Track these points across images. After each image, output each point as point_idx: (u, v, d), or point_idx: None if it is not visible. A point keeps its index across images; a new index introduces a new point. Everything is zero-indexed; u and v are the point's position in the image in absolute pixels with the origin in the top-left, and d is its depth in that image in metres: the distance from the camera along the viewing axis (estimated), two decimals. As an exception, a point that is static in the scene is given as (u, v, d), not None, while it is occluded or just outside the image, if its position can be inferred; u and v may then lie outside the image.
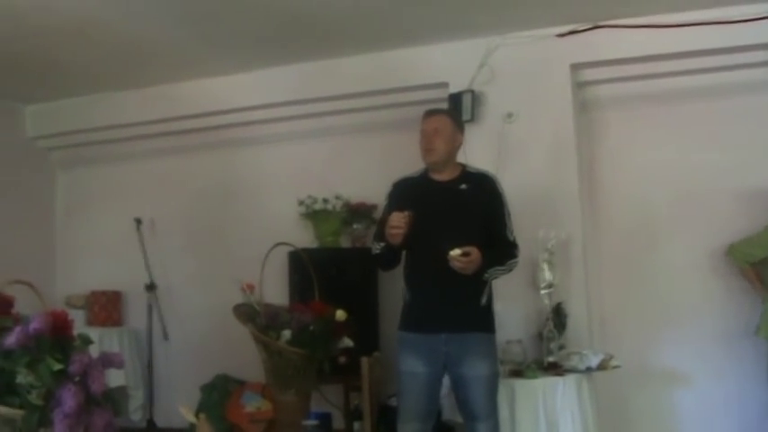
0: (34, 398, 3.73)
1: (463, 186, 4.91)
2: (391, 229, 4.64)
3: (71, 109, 8.46)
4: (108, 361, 4.03)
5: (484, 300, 4.84)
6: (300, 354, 5.83)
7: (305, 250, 6.73)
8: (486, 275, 4.78)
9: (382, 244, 4.85)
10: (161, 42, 6.79)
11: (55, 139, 8.83)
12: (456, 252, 4.54)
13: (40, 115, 8.71)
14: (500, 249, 4.84)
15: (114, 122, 8.25)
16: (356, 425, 6.17)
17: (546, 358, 5.77)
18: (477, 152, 6.06)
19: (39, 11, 6.03)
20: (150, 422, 7.71)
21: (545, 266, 5.96)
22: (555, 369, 5.62)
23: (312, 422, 5.78)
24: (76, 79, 7.81)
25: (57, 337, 3.86)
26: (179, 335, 7.82)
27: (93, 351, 4.11)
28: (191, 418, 5.97)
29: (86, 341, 4.05)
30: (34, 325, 3.78)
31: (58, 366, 3.75)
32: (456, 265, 4.56)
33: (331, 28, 6.53)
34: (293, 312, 6.07)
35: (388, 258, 4.95)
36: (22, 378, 3.71)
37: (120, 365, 4.13)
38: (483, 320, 4.85)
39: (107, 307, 8.26)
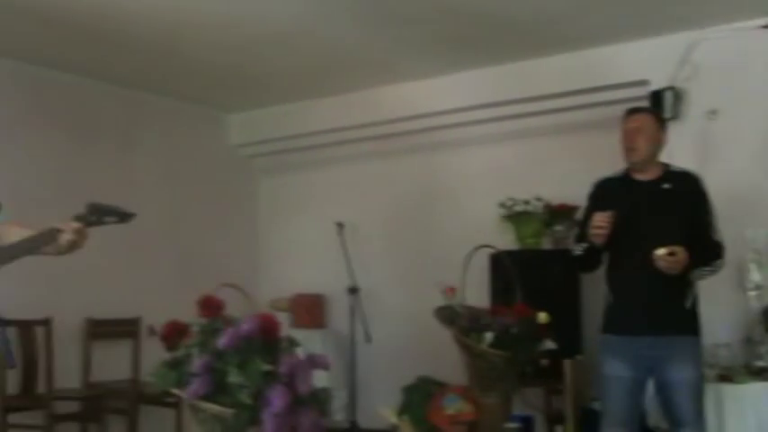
0: (244, 397, 3.82)
1: (666, 186, 4.78)
2: (594, 229, 4.58)
3: (273, 117, 8.76)
4: (314, 362, 4.11)
5: (689, 302, 4.69)
6: (502, 356, 5.81)
7: (506, 252, 6.70)
8: (692, 276, 4.65)
9: (584, 245, 4.78)
10: (360, 49, 6.92)
11: (257, 146, 9.16)
12: (662, 251, 4.43)
13: (244, 124, 9.06)
14: (705, 250, 4.68)
15: (315, 129, 8.46)
16: (558, 428, 6.12)
17: (755, 363, 5.56)
18: (679, 151, 5.87)
19: (242, 24, 6.29)
20: (353, 423, 7.84)
21: (753, 267, 5.75)
22: (765, 374, 5.42)
23: (514, 425, 5.77)
24: (278, 88, 8.09)
25: (265, 339, 3.96)
26: (381, 337, 7.87)
27: (299, 353, 4.23)
28: (393, 419, 6.03)
29: (293, 343, 4.15)
30: (244, 327, 3.90)
31: (266, 367, 3.85)
32: (662, 264, 4.45)
33: (527, 29, 6.50)
34: (495, 315, 6.07)
35: (590, 259, 4.88)
36: (233, 378, 3.82)
37: (325, 367, 4.16)
38: (689, 323, 4.71)
39: (310, 310, 8.49)
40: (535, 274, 6.75)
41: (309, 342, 7.68)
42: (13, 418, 6.55)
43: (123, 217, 3.69)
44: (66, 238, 3.50)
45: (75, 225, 3.51)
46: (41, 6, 5.89)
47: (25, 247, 3.54)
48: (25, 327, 6.74)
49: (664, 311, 4.65)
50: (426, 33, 6.57)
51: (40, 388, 6.76)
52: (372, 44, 6.82)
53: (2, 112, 6.80)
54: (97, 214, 3.59)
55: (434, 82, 7.67)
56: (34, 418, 6.61)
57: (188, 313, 4.22)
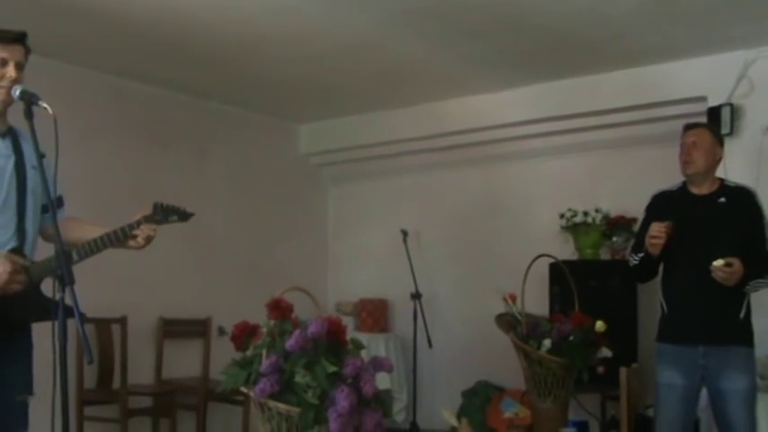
0: (310, 397, 3.88)
1: (722, 200, 4.85)
2: (651, 239, 4.65)
3: (342, 128, 8.90)
4: (378, 365, 4.12)
5: (743, 313, 4.73)
6: (560, 363, 5.93)
7: (565, 262, 6.79)
8: (748, 288, 4.69)
9: (641, 255, 4.86)
10: (427, 62, 6.99)
11: (326, 155, 9.31)
12: (719, 262, 4.49)
13: (313, 134, 9.22)
14: (760, 262, 4.72)
15: (382, 140, 8.60)
16: None
17: (808, 374, 5.60)
18: (735, 166, 5.95)
19: (314, 39, 6.42)
20: (413, 424, 7.88)
21: (805, 279, 5.78)
22: (817, 385, 5.46)
23: (569, 430, 5.81)
24: (347, 100, 8.22)
25: (332, 342, 4.02)
26: (442, 342, 7.94)
27: (364, 355, 4.35)
28: (453, 421, 6.14)
29: (359, 346, 4.20)
30: (312, 329, 3.94)
31: (332, 368, 3.90)
32: (719, 275, 4.52)
33: (590, 45, 6.54)
34: (554, 322, 6.19)
35: (646, 269, 4.96)
36: (300, 378, 3.87)
37: (389, 370, 4.20)
38: (742, 334, 4.75)
39: (374, 314, 8.61)
40: (593, 283, 6.88)
41: (373, 345, 7.84)
42: (90, 410, 6.76)
43: (184, 216, 4.01)
44: (137, 238, 3.85)
45: (146, 228, 3.84)
46: (124, 22, 6.09)
47: (101, 244, 3.81)
48: (102, 324, 6.91)
49: (718, 322, 4.70)
50: (491, 48, 6.62)
51: (116, 383, 6.92)
52: (439, 58, 6.88)
53: (85, 120, 6.93)
54: (162, 213, 3.91)
55: (499, 96, 7.73)
56: (109, 411, 6.79)
57: (256, 315, 4.30)
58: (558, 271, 6.81)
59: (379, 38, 6.44)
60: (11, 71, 3.72)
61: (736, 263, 4.53)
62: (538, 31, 6.25)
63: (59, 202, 4.11)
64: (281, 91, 7.97)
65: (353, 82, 7.60)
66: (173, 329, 7.61)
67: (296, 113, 8.92)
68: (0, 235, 3.71)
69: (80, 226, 4.04)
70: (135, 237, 3.86)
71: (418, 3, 5.68)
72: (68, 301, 3.23)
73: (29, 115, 3.65)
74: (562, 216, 7.50)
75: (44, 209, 3.76)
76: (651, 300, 5.78)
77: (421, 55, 6.82)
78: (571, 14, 5.87)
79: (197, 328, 7.73)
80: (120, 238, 3.82)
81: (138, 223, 3.84)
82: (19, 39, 3.80)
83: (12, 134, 3.84)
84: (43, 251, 3.79)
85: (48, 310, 3.64)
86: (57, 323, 3.21)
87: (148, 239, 3.88)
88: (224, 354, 4.60)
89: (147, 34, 6.39)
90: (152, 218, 3.88)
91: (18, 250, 3.75)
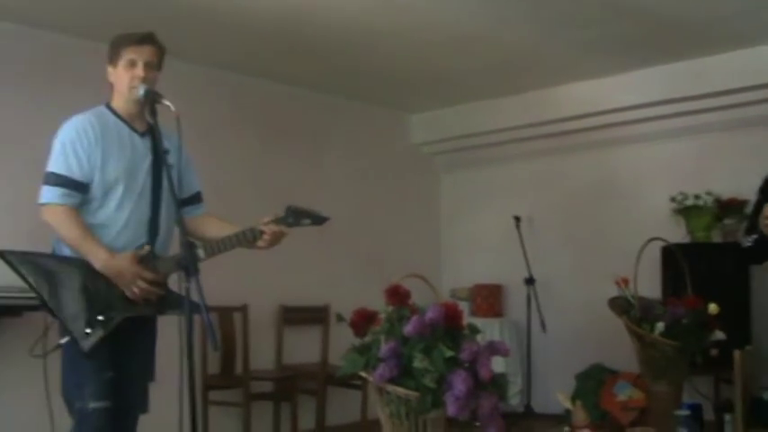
0: (428, 381, 3.90)
1: (836, 180, 4.77)
2: (765, 220, 4.58)
3: (452, 116, 8.99)
4: (494, 349, 4.13)
5: None
6: (673, 345, 5.90)
7: (677, 245, 6.75)
8: None
9: (754, 236, 4.79)
10: (536, 49, 7.04)
11: (438, 144, 9.40)
12: None
13: (425, 123, 9.32)
14: None
15: (493, 127, 8.64)
16: (726, 417, 6.11)
17: None
18: None
19: (424, 29, 6.53)
20: (528, 407, 8.01)
21: None
22: None
23: (684, 412, 5.78)
24: (457, 88, 8.29)
25: (448, 327, 4.04)
26: (556, 326, 7.98)
27: (479, 340, 4.40)
28: (567, 404, 6.19)
29: (475, 330, 4.22)
30: (429, 315, 3.96)
31: (449, 353, 3.91)
32: None
33: (700, 27, 6.49)
34: (666, 305, 6.15)
35: (760, 251, 4.90)
36: (418, 363, 3.89)
37: (505, 354, 4.21)
38: None
39: (489, 299, 8.66)
40: (705, 266, 6.81)
41: (488, 330, 7.88)
42: (214, 395, 6.99)
43: (317, 220, 4.17)
44: (266, 239, 4.01)
45: (275, 229, 4.01)
46: (241, 20, 6.30)
47: (231, 243, 3.99)
48: (225, 312, 7.13)
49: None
50: (601, 34, 6.62)
51: (238, 369, 7.14)
52: (548, 45, 6.93)
53: (204, 116, 7.11)
54: (294, 216, 4.06)
55: (609, 81, 7.72)
56: (232, 396, 7.00)
57: (373, 302, 4.35)
58: (671, 254, 6.80)
59: (489, 27, 6.50)
60: (139, 71, 3.92)
61: None
62: (647, 16, 6.23)
63: (198, 197, 4.31)
64: (393, 82, 8.09)
65: (464, 71, 7.66)
66: (292, 316, 7.79)
67: (408, 103, 9.03)
68: (133, 230, 3.90)
69: (214, 223, 4.23)
70: (263, 236, 4.00)
71: (526, -9, 5.75)
72: (194, 289, 3.42)
73: (152, 113, 3.86)
74: (673, 199, 7.46)
75: (183, 203, 3.89)
76: (765, 282, 5.76)
77: (530, 42, 6.87)
78: (681, -3, 5.85)
79: (316, 315, 7.89)
80: (249, 238, 3.99)
81: (268, 225, 4.00)
82: (146, 39, 4.01)
83: (151, 133, 4.01)
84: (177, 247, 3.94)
85: (173, 303, 3.86)
86: (183, 313, 3.40)
87: (276, 239, 4.03)
88: (342, 340, 4.67)
89: (264, 31, 6.59)
90: (284, 220, 4.03)
91: (149, 245, 3.96)
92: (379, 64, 7.46)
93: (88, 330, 3.74)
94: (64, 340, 3.77)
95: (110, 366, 3.80)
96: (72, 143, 3.82)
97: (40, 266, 3.79)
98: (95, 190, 3.85)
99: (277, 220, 4.03)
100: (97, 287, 3.78)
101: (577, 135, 8.28)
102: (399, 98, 8.78)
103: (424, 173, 9.57)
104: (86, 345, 3.71)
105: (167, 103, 3.78)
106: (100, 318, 3.76)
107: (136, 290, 3.80)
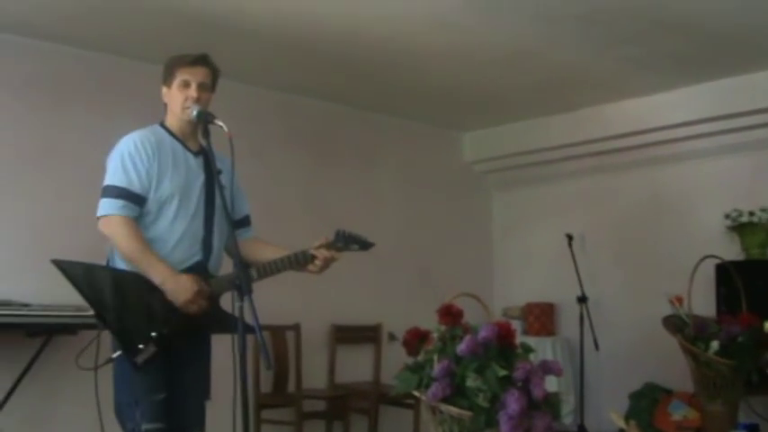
0: (481, 400, 3.88)
1: None
2: None
3: (505, 134, 8.99)
4: (548, 368, 4.11)
5: None
6: (728, 364, 5.84)
7: (732, 263, 6.66)
8: None
9: None
10: (586, 67, 7.02)
11: (490, 162, 9.39)
12: None
13: (477, 141, 9.34)
14: None
15: (545, 145, 8.63)
16: None
17: None
18: None
19: (475, 49, 6.56)
20: (581, 426, 7.92)
21: None
22: None
23: None
24: (509, 107, 8.30)
25: (501, 346, 4.02)
26: (609, 344, 7.89)
27: (532, 359, 4.39)
28: (620, 423, 6.13)
29: (528, 350, 4.21)
30: (482, 334, 3.95)
31: (503, 372, 3.89)
32: None
33: (750, 43, 6.44)
34: (721, 324, 6.09)
35: None
36: (471, 382, 3.88)
37: (558, 373, 4.19)
38: None
39: (541, 318, 8.63)
40: (761, 283, 6.72)
41: (540, 348, 7.86)
42: (266, 413, 7.02)
43: (365, 245, 4.19)
44: (318, 263, 4.05)
45: (327, 254, 4.04)
46: (293, 41, 6.38)
47: (282, 266, 4.04)
48: (278, 331, 7.19)
49: None
50: (650, 51, 6.60)
51: (291, 387, 7.19)
52: (598, 63, 6.90)
53: (257, 136, 7.22)
54: (344, 241, 4.08)
55: (659, 97, 7.68)
56: (285, 414, 7.04)
57: (425, 321, 4.36)
58: (725, 271, 6.73)
59: (539, 45, 6.51)
60: (192, 92, 3.99)
61: None
62: (697, 31, 6.20)
63: (247, 220, 4.37)
64: (444, 101, 8.12)
65: (515, 89, 7.67)
66: (344, 335, 7.82)
67: (459, 122, 9.06)
68: (187, 248, 3.97)
69: (263, 247, 4.29)
70: (314, 260, 4.04)
71: (576, 9, 5.74)
72: (247, 309, 3.45)
73: (206, 134, 3.92)
74: (727, 216, 7.39)
75: (233, 225, 3.92)
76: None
77: (580, 60, 6.86)
78: (729, 12, 5.81)
79: (368, 334, 7.95)
80: (300, 261, 4.04)
81: (319, 249, 4.03)
82: (200, 61, 4.07)
83: (204, 153, 4.08)
84: (228, 267, 4.01)
85: (226, 324, 3.89)
86: (237, 331, 3.44)
87: (327, 264, 4.07)
88: (394, 358, 4.71)
89: (315, 52, 6.65)
90: (333, 245, 4.07)
91: (202, 264, 4.02)
92: (431, 83, 7.49)
93: (141, 345, 3.80)
94: (116, 354, 3.83)
95: (163, 386, 3.86)
96: (131, 157, 3.90)
97: (95, 278, 3.87)
98: (151, 204, 3.92)
99: (327, 245, 4.06)
100: (151, 302, 3.84)
101: (629, 152, 8.23)
102: (451, 117, 8.80)
103: (476, 191, 9.56)
104: (139, 359, 3.77)
105: (220, 123, 3.84)
106: (153, 333, 3.82)
107: (196, 308, 3.85)
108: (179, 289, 3.82)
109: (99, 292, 3.84)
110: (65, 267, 3.81)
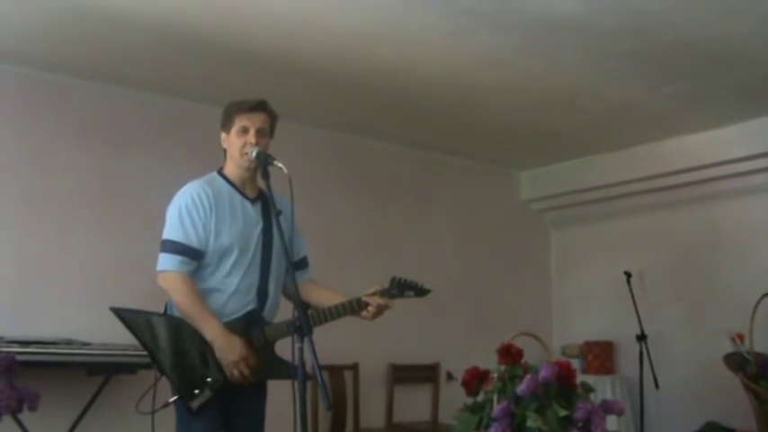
0: None
1: None
2: None
3: (562, 172, 9.01)
4: (608, 408, 4.07)
5: None
6: None
7: None
8: None
9: None
10: (642, 103, 7.01)
11: (547, 200, 9.41)
12: None
13: (534, 179, 9.36)
14: None
15: (602, 183, 8.63)
16: None
17: None
18: None
19: (530, 86, 6.58)
20: None
21: None
22: None
23: None
24: (565, 145, 8.32)
25: (562, 385, 3.97)
26: (669, 383, 7.70)
27: (592, 398, 4.36)
28: None
29: (588, 389, 4.16)
30: (543, 374, 3.89)
31: (563, 412, 3.84)
32: None
33: None
34: (784, 361, 6.08)
35: None
36: (532, 422, 3.80)
37: (619, 413, 4.07)
38: None
39: (600, 356, 8.59)
40: (824, 320, 6.63)
41: (599, 387, 7.81)
42: (324, 454, 7.03)
43: (421, 292, 4.17)
44: (371, 311, 4.04)
45: (380, 301, 4.02)
46: (349, 82, 6.47)
47: (337, 313, 4.02)
48: (336, 371, 7.21)
49: None
50: (707, 86, 6.58)
51: (349, 427, 7.20)
52: (655, 99, 6.89)
53: (313, 175, 7.30)
54: (399, 288, 4.07)
55: (717, 132, 7.63)
56: (344, 454, 7.04)
57: (483, 360, 4.30)
58: (787, 308, 6.63)
59: (595, 82, 6.51)
60: (251, 137, 4.03)
61: None
62: (754, 65, 6.16)
63: (305, 262, 4.39)
64: (499, 139, 8.16)
65: (571, 127, 7.69)
66: (402, 375, 7.78)
67: (515, 160, 9.08)
68: (244, 295, 4.01)
69: (319, 290, 4.32)
70: (368, 307, 4.03)
71: (632, 45, 5.74)
72: (307, 350, 3.45)
73: (265, 175, 3.94)
74: (786, 252, 7.30)
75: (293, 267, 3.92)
76: None
77: (636, 97, 6.86)
78: (785, 46, 5.78)
79: (426, 374, 7.91)
80: (354, 308, 4.03)
81: (373, 297, 4.03)
82: (258, 107, 4.12)
83: (263, 198, 4.13)
84: (285, 313, 4.01)
85: (282, 371, 3.90)
86: (297, 373, 3.44)
87: (380, 311, 4.05)
88: (452, 398, 4.69)
89: (370, 92, 6.74)
90: (387, 292, 4.06)
91: (257, 312, 4.05)
92: (486, 121, 7.52)
93: (197, 390, 3.84)
94: (172, 399, 3.87)
95: (221, 428, 3.89)
96: (188, 211, 3.95)
97: (152, 325, 3.91)
98: (211, 256, 3.96)
99: (382, 292, 4.05)
100: (206, 349, 3.87)
101: (686, 188, 8.17)
102: (507, 155, 8.83)
103: (534, 229, 9.55)
104: (195, 404, 3.81)
105: (279, 164, 3.87)
106: (208, 379, 3.86)
107: (236, 373, 3.87)
108: (228, 349, 3.85)
109: (155, 338, 3.89)
110: (122, 314, 3.86)
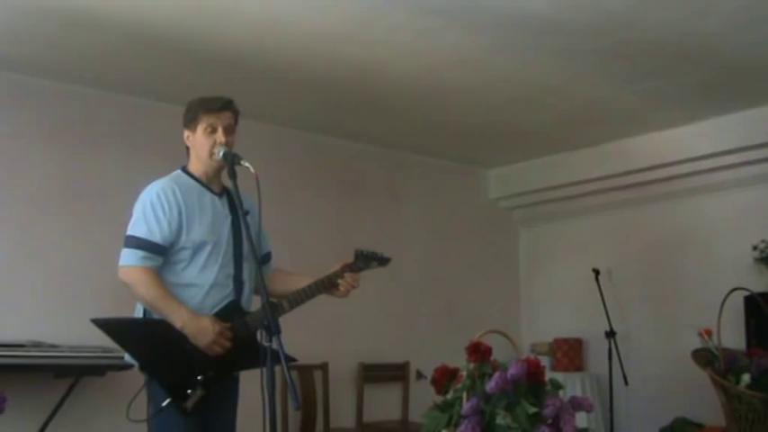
0: None
1: None
2: None
3: (530, 170, 9.02)
4: (578, 404, 4.07)
5: None
6: (760, 398, 5.78)
7: (761, 294, 6.60)
8: None
9: None
10: (610, 101, 7.03)
11: (515, 198, 9.43)
12: None
13: (502, 178, 9.37)
14: None
15: (569, 180, 8.67)
16: None
17: None
18: None
19: (499, 85, 6.58)
20: None
21: None
22: None
23: None
24: (533, 143, 8.33)
25: (531, 383, 3.98)
26: (638, 379, 7.81)
27: (561, 395, 4.38)
28: None
29: (558, 386, 4.17)
30: (512, 371, 3.90)
31: (532, 409, 3.86)
32: None
33: None
34: (752, 356, 6.05)
35: None
36: (501, 420, 3.83)
37: (589, 409, 4.13)
38: None
39: (569, 353, 8.61)
40: (790, 316, 6.67)
41: (569, 384, 7.83)
42: (293, 454, 7.00)
43: (383, 261, 4.38)
44: (342, 289, 4.20)
45: (350, 280, 4.20)
46: (318, 82, 6.46)
47: (311, 293, 4.13)
48: (305, 370, 7.19)
49: None
50: (675, 83, 6.59)
51: (319, 426, 7.17)
52: (621, 97, 6.91)
53: (282, 174, 7.28)
54: (364, 260, 4.27)
55: (684, 130, 7.65)
56: (313, 454, 7.01)
57: (452, 358, 4.34)
58: (754, 304, 6.67)
59: (563, 80, 6.53)
60: (220, 137, 4.02)
61: None
62: (721, 63, 6.18)
63: (269, 257, 4.42)
64: (468, 138, 8.17)
65: (539, 125, 7.69)
66: (372, 374, 7.78)
67: (484, 159, 9.09)
68: (221, 289, 4.00)
69: (287, 278, 4.37)
70: (338, 286, 4.18)
71: (599, 44, 5.76)
72: (276, 349, 3.45)
73: (232, 175, 3.93)
74: (755, 248, 7.34)
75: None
76: None
77: (604, 95, 6.87)
78: (754, 43, 5.79)
79: (395, 373, 7.92)
80: (326, 286, 4.16)
81: (342, 271, 4.18)
82: (226, 106, 4.12)
83: (227, 194, 4.14)
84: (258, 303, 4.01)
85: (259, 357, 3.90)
86: (265, 371, 3.44)
87: (352, 286, 4.21)
88: (422, 397, 4.69)
89: (339, 92, 6.73)
90: (354, 266, 4.23)
91: (236, 303, 4.04)
92: (456, 120, 7.53)
93: (189, 391, 3.84)
94: (165, 403, 3.84)
95: (201, 427, 3.89)
96: (153, 207, 3.93)
97: (134, 331, 3.91)
98: (183, 252, 3.95)
99: (351, 267, 4.22)
100: (189, 347, 3.85)
101: (654, 186, 8.21)
102: (476, 153, 8.85)
103: (502, 227, 9.57)
104: (189, 405, 3.81)
105: (246, 164, 3.86)
106: (199, 377, 3.86)
107: (219, 349, 3.86)
108: (200, 332, 3.83)
109: (139, 345, 3.87)
110: (103, 325, 3.83)
